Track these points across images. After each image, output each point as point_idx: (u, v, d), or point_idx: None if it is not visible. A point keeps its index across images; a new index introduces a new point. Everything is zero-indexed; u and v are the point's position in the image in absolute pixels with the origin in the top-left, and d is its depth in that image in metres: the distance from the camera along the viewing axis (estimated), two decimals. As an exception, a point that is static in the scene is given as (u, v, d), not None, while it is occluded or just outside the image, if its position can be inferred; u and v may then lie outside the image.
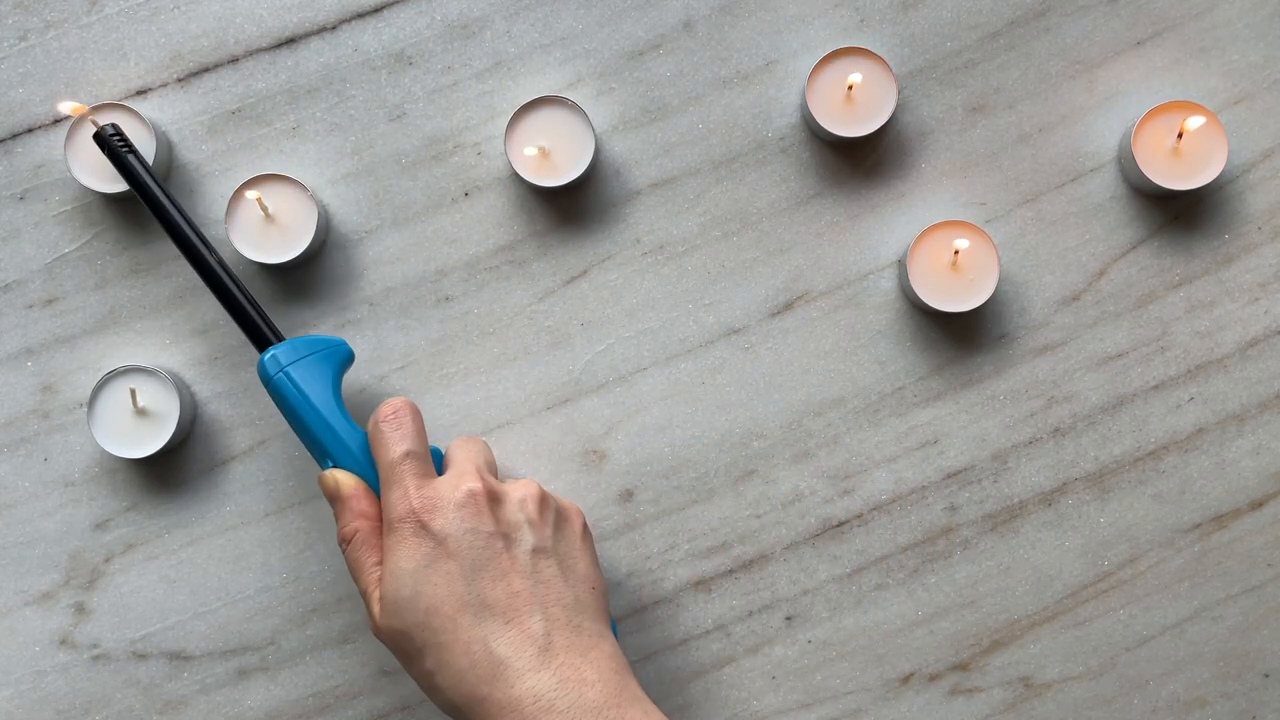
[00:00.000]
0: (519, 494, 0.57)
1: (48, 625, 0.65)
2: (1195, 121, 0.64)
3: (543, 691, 0.52)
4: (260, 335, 0.60)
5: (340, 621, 0.66)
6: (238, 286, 0.60)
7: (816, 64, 0.64)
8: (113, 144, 0.60)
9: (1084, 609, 0.67)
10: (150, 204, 0.60)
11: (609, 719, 0.52)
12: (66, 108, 0.63)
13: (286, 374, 0.59)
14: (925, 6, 0.67)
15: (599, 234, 0.67)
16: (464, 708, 0.53)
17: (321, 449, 0.59)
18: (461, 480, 0.56)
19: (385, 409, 0.58)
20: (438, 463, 0.60)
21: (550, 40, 0.67)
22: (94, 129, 0.60)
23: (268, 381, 0.59)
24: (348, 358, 0.62)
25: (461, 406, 0.66)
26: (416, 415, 0.59)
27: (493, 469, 0.60)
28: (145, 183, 0.60)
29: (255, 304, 0.61)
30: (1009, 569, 0.67)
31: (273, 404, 0.65)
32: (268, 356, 0.59)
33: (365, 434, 0.59)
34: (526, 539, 0.56)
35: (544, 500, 0.58)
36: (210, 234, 0.64)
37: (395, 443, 0.57)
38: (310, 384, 0.59)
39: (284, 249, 0.64)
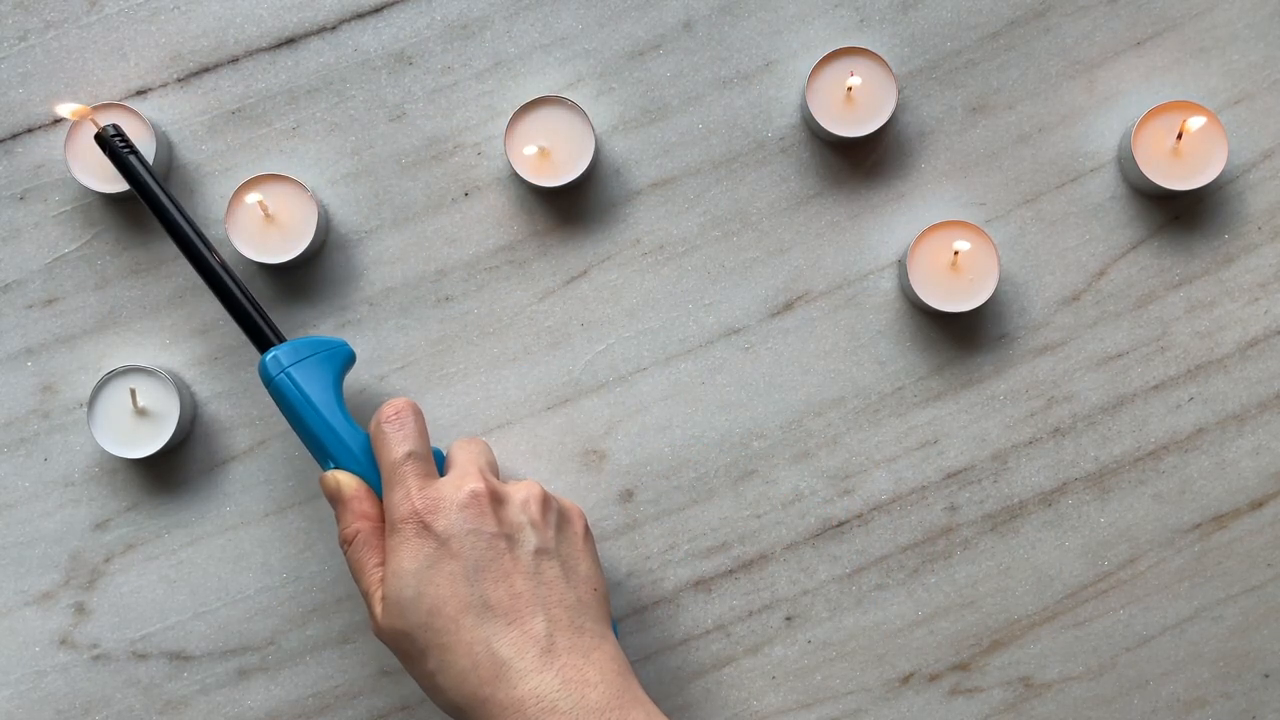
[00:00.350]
0: (521, 495, 0.57)
1: (48, 625, 0.65)
2: (1195, 121, 0.64)
3: (545, 692, 0.52)
4: (261, 336, 0.60)
5: (340, 621, 0.66)
6: (238, 287, 0.60)
7: (816, 64, 0.64)
8: (113, 144, 0.60)
9: (1084, 609, 0.67)
10: (150, 204, 0.60)
11: (611, 720, 0.52)
12: (64, 110, 0.63)
13: (288, 375, 0.59)
14: (925, 6, 0.67)
15: (599, 234, 0.67)
16: (466, 709, 0.53)
17: (323, 450, 0.59)
18: (464, 481, 0.56)
19: (387, 409, 0.58)
20: (439, 463, 0.60)
21: (550, 40, 0.67)
22: (95, 129, 0.60)
23: (269, 382, 0.59)
24: (349, 359, 0.61)
25: (461, 406, 0.66)
26: (418, 416, 0.59)
27: (494, 470, 0.60)
28: (145, 183, 0.60)
29: (256, 304, 0.61)
30: (1009, 569, 0.67)
31: (273, 404, 0.65)
32: (269, 357, 0.59)
33: (367, 435, 0.59)
34: (529, 540, 0.56)
35: (546, 501, 0.58)
36: (210, 234, 0.64)
37: (398, 443, 0.57)
38: (312, 385, 0.59)
39: (284, 249, 0.64)
